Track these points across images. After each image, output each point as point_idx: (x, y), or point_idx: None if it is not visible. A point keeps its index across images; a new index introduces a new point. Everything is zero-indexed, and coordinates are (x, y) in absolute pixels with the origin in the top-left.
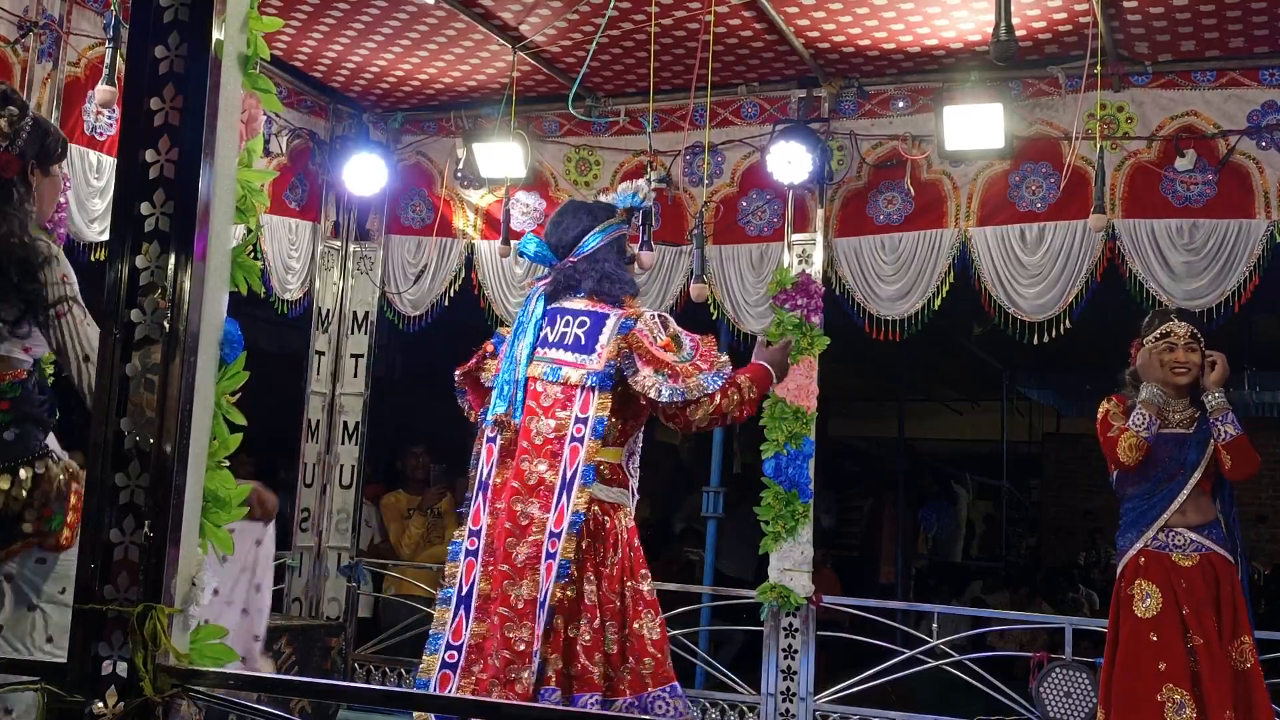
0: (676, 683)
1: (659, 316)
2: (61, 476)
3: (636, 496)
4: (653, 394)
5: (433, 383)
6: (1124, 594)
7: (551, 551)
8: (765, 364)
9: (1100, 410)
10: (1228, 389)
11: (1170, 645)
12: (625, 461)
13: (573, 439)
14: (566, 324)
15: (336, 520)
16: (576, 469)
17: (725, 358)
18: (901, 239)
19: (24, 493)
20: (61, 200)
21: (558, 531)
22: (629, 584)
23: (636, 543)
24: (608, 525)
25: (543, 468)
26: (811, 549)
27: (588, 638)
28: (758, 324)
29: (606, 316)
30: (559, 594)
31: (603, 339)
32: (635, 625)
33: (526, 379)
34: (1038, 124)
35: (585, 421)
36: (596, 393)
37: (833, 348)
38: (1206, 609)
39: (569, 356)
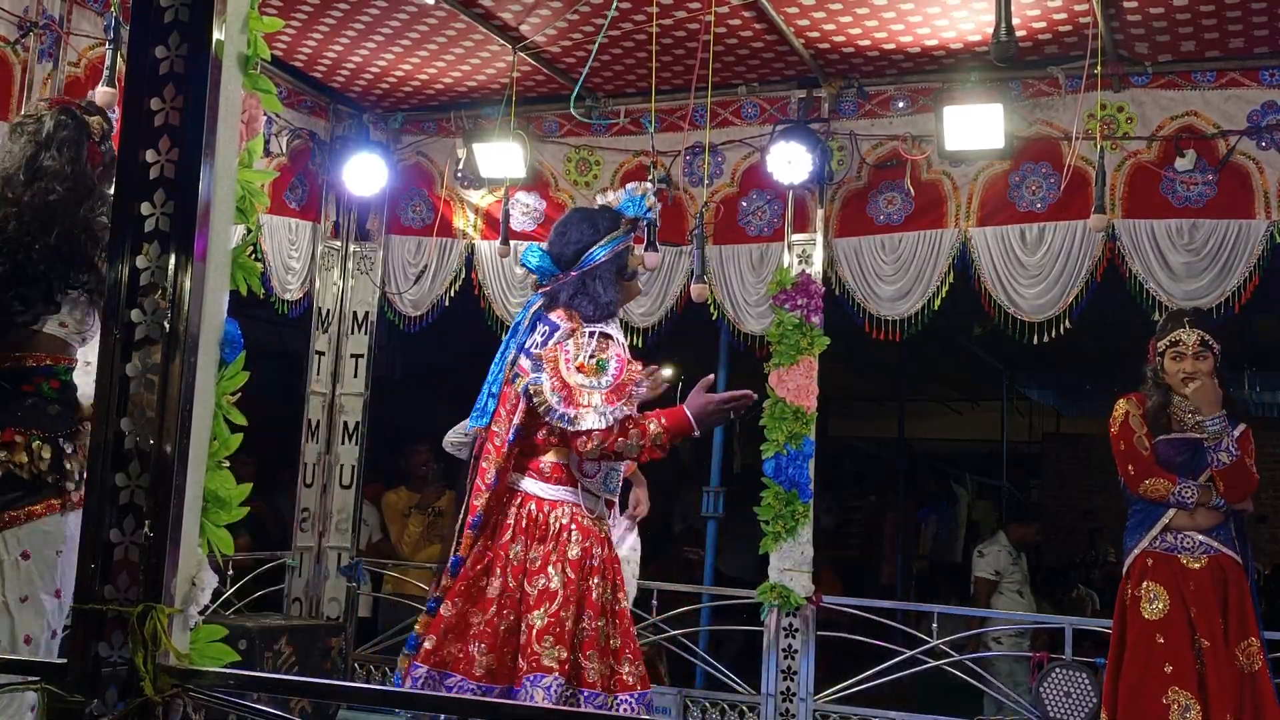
0: (546, 674)
1: (599, 335)
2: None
3: (604, 497)
4: (542, 409)
5: (433, 383)
6: (1131, 595)
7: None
8: (689, 413)
9: (1119, 410)
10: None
11: (1177, 647)
12: (574, 463)
13: (508, 441)
14: (542, 334)
15: (336, 520)
16: (501, 469)
17: (632, 395)
18: (901, 239)
19: (62, 461)
20: None
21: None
22: (539, 577)
23: (572, 537)
24: (541, 520)
25: (494, 470)
26: (811, 549)
27: (480, 625)
28: (758, 324)
29: (559, 328)
30: (447, 581)
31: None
32: (530, 616)
33: (502, 389)
34: (1038, 124)
35: (513, 426)
36: (524, 400)
37: (833, 348)
38: (1214, 611)
39: (528, 364)
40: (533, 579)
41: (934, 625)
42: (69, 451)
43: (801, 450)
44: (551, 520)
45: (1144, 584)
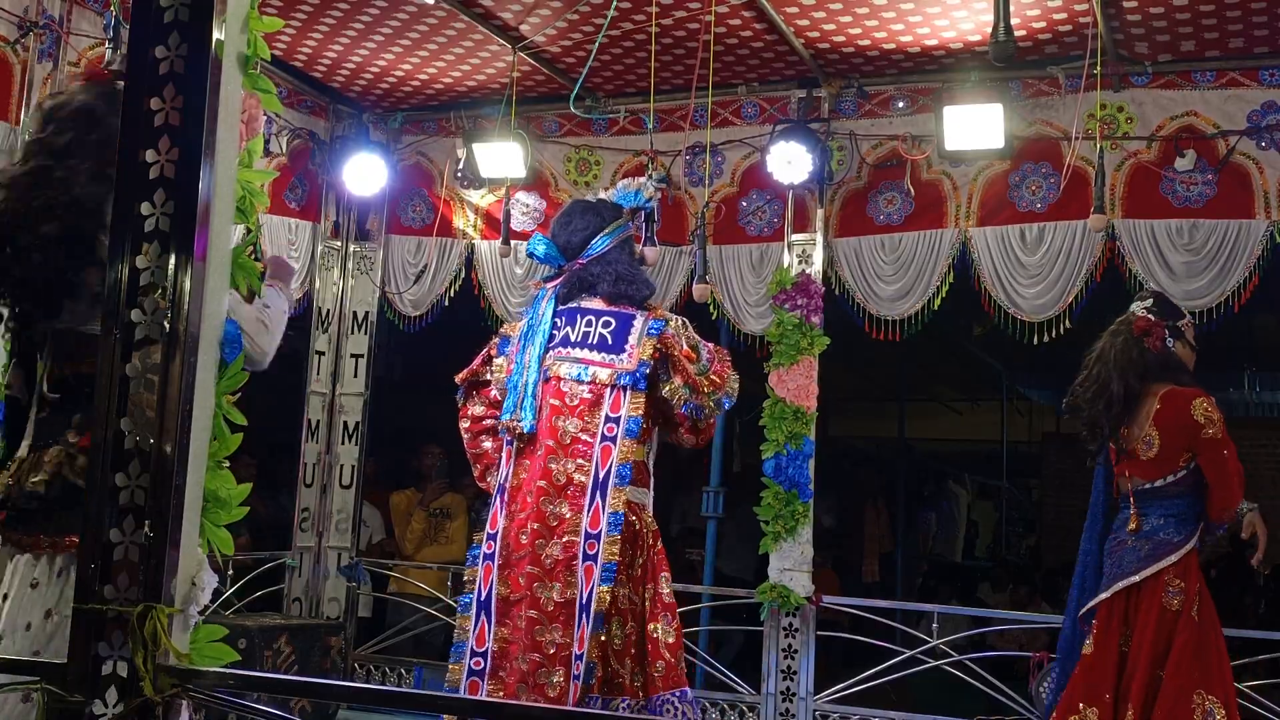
0: (688, 688)
1: (683, 321)
2: None
3: (652, 494)
4: (675, 403)
5: (433, 383)
6: (1201, 591)
7: (590, 553)
8: None
9: (1215, 412)
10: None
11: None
12: (648, 460)
13: (604, 438)
14: (589, 324)
15: (336, 520)
16: (610, 469)
17: (735, 376)
18: (901, 239)
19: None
20: None
21: (595, 533)
22: (649, 585)
23: (659, 544)
24: (637, 526)
25: (572, 468)
26: (811, 549)
27: (619, 642)
28: (758, 324)
29: (633, 317)
30: (606, 597)
31: (632, 339)
32: (650, 627)
33: (546, 379)
34: (1038, 124)
35: (618, 421)
36: (629, 392)
37: (833, 348)
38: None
39: (596, 356)
40: (639, 587)
41: (934, 625)
42: None
43: (801, 450)
44: (644, 527)
45: (1198, 582)
